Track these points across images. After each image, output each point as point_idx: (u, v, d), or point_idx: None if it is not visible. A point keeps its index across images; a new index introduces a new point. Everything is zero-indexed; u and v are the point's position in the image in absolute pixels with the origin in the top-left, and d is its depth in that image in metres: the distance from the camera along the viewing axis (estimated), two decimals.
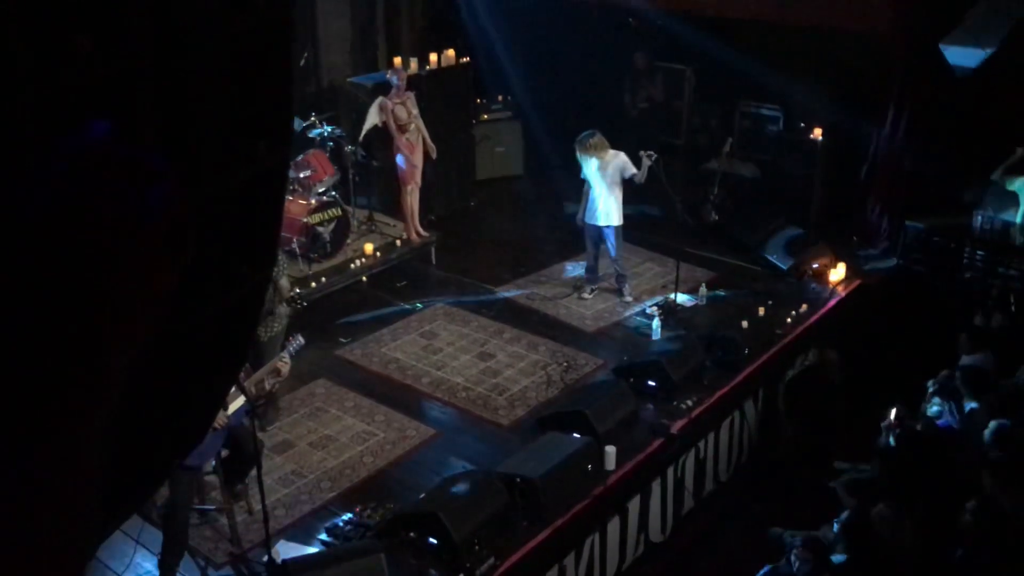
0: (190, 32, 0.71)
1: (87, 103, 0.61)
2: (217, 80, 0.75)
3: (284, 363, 5.90)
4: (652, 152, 8.58)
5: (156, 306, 0.57)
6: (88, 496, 0.55)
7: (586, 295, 9.25)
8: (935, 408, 6.87)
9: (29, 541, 0.51)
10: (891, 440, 6.82)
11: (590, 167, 8.70)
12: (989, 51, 8.52)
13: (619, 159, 8.67)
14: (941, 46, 8.83)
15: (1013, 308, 8.67)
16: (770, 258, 9.73)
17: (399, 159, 9.42)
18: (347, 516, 6.15)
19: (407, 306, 9.11)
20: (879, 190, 10.04)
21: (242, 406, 5.47)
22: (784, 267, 9.57)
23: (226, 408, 5.33)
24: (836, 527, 5.77)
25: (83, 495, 0.55)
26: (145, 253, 0.55)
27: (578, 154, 8.72)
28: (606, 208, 8.74)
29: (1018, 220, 8.85)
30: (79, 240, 0.53)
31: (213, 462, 5.87)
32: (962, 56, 8.71)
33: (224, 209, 0.80)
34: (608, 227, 8.82)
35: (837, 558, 5.69)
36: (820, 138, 10.47)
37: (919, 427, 6.53)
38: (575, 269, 9.79)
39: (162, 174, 0.57)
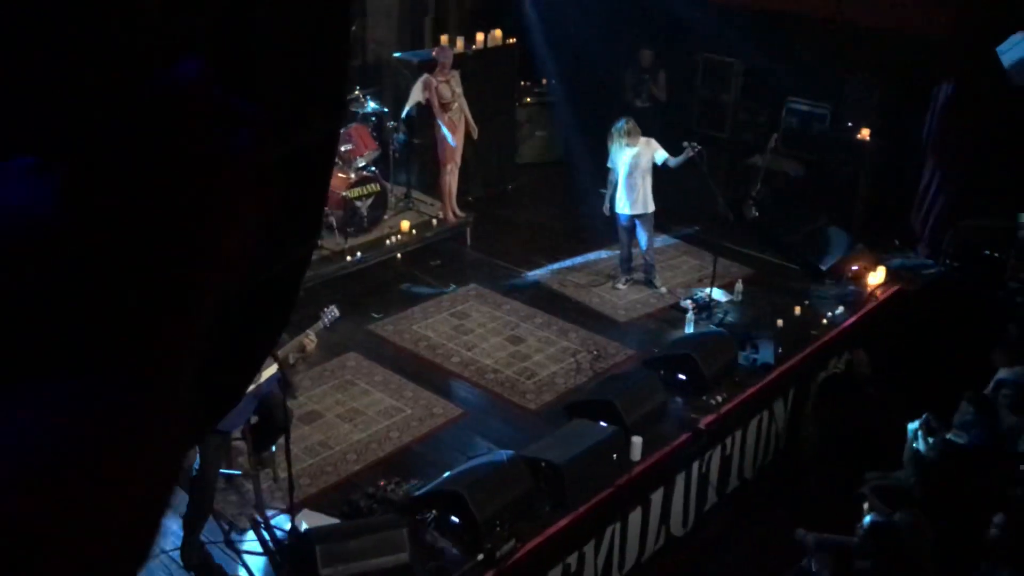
0: None
1: (147, 62, 0.61)
2: (275, 45, 0.75)
3: (310, 340, 5.94)
4: (696, 144, 8.52)
5: (244, 249, 0.57)
6: (180, 424, 0.56)
7: (620, 285, 9.21)
8: (968, 420, 6.78)
9: (132, 459, 0.52)
10: (921, 447, 6.74)
11: (623, 155, 8.65)
12: None
13: (651, 145, 8.68)
14: (998, 51, 8.65)
15: None
16: (809, 258, 9.62)
17: (440, 137, 9.42)
18: (371, 489, 6.19)
19: (441, 287, 9.13)
20: (925, 194, 9.89)
21: (274, 374, 5.52)
22: (823, 268, 9.47)
23: (259, 375, 5.38)
24: (861, 532, 5.72)
25: (176, 426, 0.56)
26: (235, 195, 0.55)
27: (612, 141, 8.67)
28: (640, 197, 8.70)
29: None
30: (170, 178, 0.53)
31: (242, 428, 5.93)
32: (1017, 62, 8.52)
33: (275, 178, 0.79)
34: (643, 215, 8.79)
35: (860, 564, 5.65)
36: (867, 139, 10.31)
37: (952, 438, 6.44)
38: (610, 257, 9.75)
39: (251, 117, 0.56)
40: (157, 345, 0.53)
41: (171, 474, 0.57)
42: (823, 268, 9.44)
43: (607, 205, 8.97)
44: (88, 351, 0.51)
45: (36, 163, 0.53)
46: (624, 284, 9.22)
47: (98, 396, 0.51)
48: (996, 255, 9.16)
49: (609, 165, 8.87)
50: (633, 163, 8.62)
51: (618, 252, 9.38)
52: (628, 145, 8.60)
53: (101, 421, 0.51)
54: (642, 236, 8.94)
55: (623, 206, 8.80)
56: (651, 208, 8.80)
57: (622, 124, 8.62)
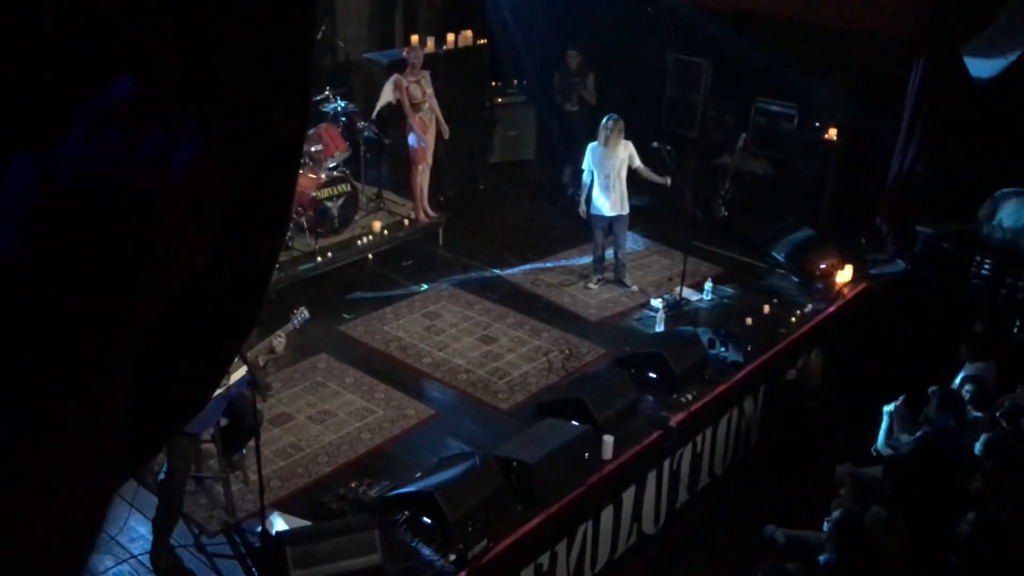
0: None
1: (109, 64, 0.60)
2: (238, 44, 0.74)
3: (279, 340, 5.90)
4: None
5: (182, 271, 0.56)
6: (112, 446, 0.55)
7: (592, 285, 9.23)
8: (934, 416, 6.86)
9: (58, 489, 0.52)
10: (895, 430, 6.82)
11: (601, 155, 8.66)
12: (1010, 59, 8.47)
13: (628, 148, 8.71)
14: (962, 53, 8.77)
15: (1020, 319, 8.65)
16: (777, 256, 9.71)
17: (411, 138, 9.40)
18: (342, 491, 6.16)
19: (412, 286, 9.11)
20: (891, 194, 10.01)
21: (243, 376, 5.48)
22: (791, 266, 9.56)
23: (227, 378, 5.34)
24: (827, 526, 5.77)
25: (108, 447, 0.55)
26: (172, 217, 0.55)
27: (600, 140, 8.63)
28: (617, 198, 8.73)
29: None
30: (104, 204, 0.53)
31: (212, 430, 5.89)
32: (982, 66, 8.66)
33: (240, 175, 0.79)
34: (620, 216, 8.82)
35: (824, 558, 5.70)
36: (835, 138, 10.42)
37: (920, 433, 6.52)
38: (582, 257, 9.78)
39: (189, 135, 0.56)
40: (85, 381, 0.53)
41: (101, 490, 0.57)
42: (791, 267, 9.54)
43: (583, 207, 8.95)
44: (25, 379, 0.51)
45: None
46: (596, 283, 9.25)
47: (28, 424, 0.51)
48: (961, 253, 9.29)
49: (583, 167, 8.86)
50: (611, 164, 8.64)
51: (590, 251, 9.40)
52: (607, 145, 8.60)
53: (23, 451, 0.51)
54: (617, 236, 8.97)
55: (600, 206, 8.82)
56: (627, 209, 8.84)
57: (611, 123, 8.58)
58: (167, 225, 0.55)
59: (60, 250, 0.52)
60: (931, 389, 6.89)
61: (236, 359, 5.23)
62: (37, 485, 0.51)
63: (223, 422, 5.91)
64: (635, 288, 9.16)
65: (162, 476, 5.48)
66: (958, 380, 7.37)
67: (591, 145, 8.78)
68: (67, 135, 0.55)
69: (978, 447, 6.10)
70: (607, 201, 8.76)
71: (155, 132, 0.55)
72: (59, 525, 0.52)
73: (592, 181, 8.79)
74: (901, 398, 6.93)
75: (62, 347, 0.52)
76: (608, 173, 8.67)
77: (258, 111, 0.83)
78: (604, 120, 8.64)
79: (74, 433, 0.53)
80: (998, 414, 6.63)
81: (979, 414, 6.74)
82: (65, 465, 0.52)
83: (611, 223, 8.88)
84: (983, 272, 9.13)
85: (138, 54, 0.62)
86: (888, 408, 6.93)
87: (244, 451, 6.14)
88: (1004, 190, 9.06)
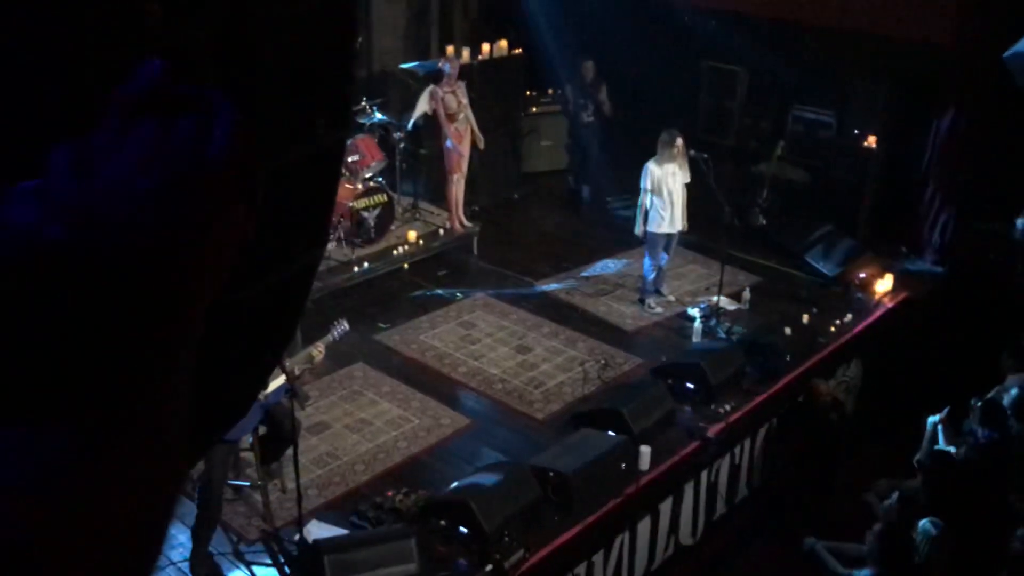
0: (259, 6, 0.71)
1: (145, 56, 0.61)
2: (281, 56, 0.75)
3: (319, 351, 5.95)
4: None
5: (233, 248, 0.56)
6: (178, 447, 0.56)
7: (654, 305, 8.94)
8: (978, 428, 6.74)
9: (127, 494, 0.52)
10: (941, 443, 6.70)
11: (663, 171, 8.41)
12: None
13: (686, 163, 8.51)
14: (1004, 58, 8.64)
15: None
16: (816, 265, 9.60)
17: (447, 148, 9.44)
18: (379, 500, 6.18)
19: (445, 293, 9.13)
20: (932, 201, 9.87)
21: (282, 385, 5.52)
22: (830, 275, 9.45)
23: (266, 386, 5.38)
24: (869, 539, 5.69)
25: (174, 446, 0.55)
26: (215, 198, 0.55)
27: (663, 157, 8.38)
28: (676, 214, 8.54)
29: None
30: (145, 190, 0.53)
31: (250, 439, 5.94)
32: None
33: (281, 185, 0.80)
34: (675, 234, 8.70)
35: (863, 573, 5.62)
36: (874, 146, 10.30)
37: (963, 446, 6.41)
38: (617, 266, 9.74)
39: (224, 112, 0.56)
40: (142, 374, 0.53)
41: (167, 495, 0.57)
42: (830, 276, 9.43)
43: (641, 228, 8.65)
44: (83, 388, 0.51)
45: (38, 186, 0.53)
46: (656, 304, 8.97)
47: (86, 438, 0.51)
48: (1003, 260, 9.13)
49: (643, 185, 8.51)
50: (673, 180, 8.44)
51: (625, 260, 9.31)
52: (671, 161, 8.39)
53: (86, 462, 0.51)
54: (667, 249, 8.82)
55: (661, 224, 8.58)
56: (685, 225, 8.69)
57: (677, 140, 8.36)
58: (211, 206, 0.54)
59: (107, 238, 0.52)
60: (973, 401, 6.78)
61: (275, 367, 5.27)
62: (105, 491, 0.51)
63: (262, 430, 5.96)
64: (672, 298, 9.09)
65: (201, 484, 5.53)
66: (1004, 391, 7.23)
67: (649, 165, 8.47)
68: (101, 123, 0.55)
69: None
70: (667, 218, 8.53)
71: (189, 115, 0.55)
72: (129, 531, 0.53)
73: (652, 199, 8.49)
74: (946, 409, 6.81)
75: (122, 339, 0.52)
76: (671, 190, 8.45)
77: (300, 122, 0.83)
78: (667, 136, 8.39)
79: (141, 433, 0.53)
80: None
81: (1021, 426, 6.61)
82: (134, 467, 0.52)
83: (670, 239, 8.75)
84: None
85: (182, 59, 0.62)
86: (933, 419, 6.82)
87: (281, 460, 6.19)
88: None
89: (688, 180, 8.60)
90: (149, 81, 0.55)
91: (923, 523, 5.61)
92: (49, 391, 0.51)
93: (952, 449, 6.55)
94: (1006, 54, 8.57)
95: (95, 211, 0.51)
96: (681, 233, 8.82)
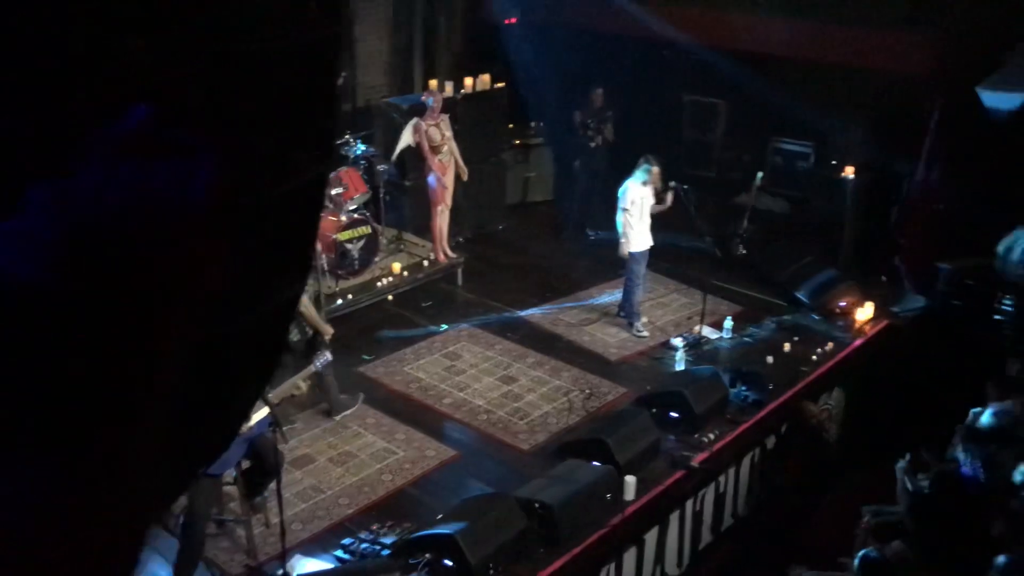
0: (242, 43, 0.72)
1: (129, 95, 0.62)
2: (265, 92, 0.77)
3: (299, 389, 5.94)
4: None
5: (208, 293, 0.56)
6: (149, 487, 0.56)
7: (642, 328, 9.07)
8: (960, 456, 6.77)
9: (88, 536, 0.52)
10: (908, 484, 6.72)
11: (642, 193, 8.66)
12: None
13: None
14: (978, 89, 8.78)
15: None
16: (797, 295, 9.67)
17: (431, 180, 9.48)
18: (364, 534, 6.14)
19: (432, 327, 9.13)
20: (910, 231, 9.97)
21: (265, 417, 5.50)
22: (811, 304, 9.52)
23: (249, 419, 5.36)
24: (853, 568, 5.68)
25: (145, 486, 0.56)
26: (195, 241, 0.55)
27: (642, 180, 8.64)
28: (647, 230, 8.77)
29: None
30: (124, 232, 0.53)
31: (233, 473, 5.89)
32: (999, 100, 8.66)
33: (264, 219, 0.81)
34: (648, 249, 8.86)
35: None
36: (852, 176, 10.42)
37: (946, 472, 6.43)
38: (601, 296, 9.78)
39: (208, 153, 0.56)
40: (114, 418, 0.53)
41: (138, 530, 0.57)
42: (811, 305, 9.50)
43: (626, 249, 8.76)
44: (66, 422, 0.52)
45: (12, 225, 0.53)
46: (643, 327, 9.09)
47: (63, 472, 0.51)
48: (983, 290, 9.21)
49: (624, 206, 8.69)
50: (648, 202, 8.69)
51: (609, 290, 9.36)
52: (648, 185, 8.65)
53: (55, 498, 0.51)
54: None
55: (641, 242, 8.77)
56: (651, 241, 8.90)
57: (654, 167, 8.62)
58: (192, 248, 0.55)
59: (84, 278, 0.52)
60: (957, 428, 6.80)
61: (258, 401, 5.25)
62: (71, 528, 0.51)
63: (245, 464, 5.92)
64: (645, 332, 9.10)
65: (184, 519, 5.48)
66: (982, 416, 7.27)
67: (629, 185, 8.68)
68: (84, 163, 0.55)
69: (1017, 476, 6.01)
70: (644, 236, 8.76)
71: (172, 159, 0.56)
72: (97, 566, 0.53)
73: (630, 220, 8.67)
74: (907, 456, 6.84)
75: (98, 376, 0.52)
76: (645, 209, 8.69)
77: (283, 157, 0.85)
78: (650, 166, 8.62)
79: (114, 468, 0.53)
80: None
81: (1005, 451, 6.63)
82: (105, 501, 0.53)
83: (646, 256, 8.89)
84: (1004, 308, 9.04)
85: (166, 93, 0.63)
86: (900, 464, 6.86)
87: (265, 494, 6.14)
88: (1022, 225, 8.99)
89: (652, 203, 8.74)
90: (136, 124, 0.56)
91: (893, 544, 5.62)
92: (21, 426, 0.51)
93: (910, 487, 6.58)
94: (980, 87, 8.73)
95: (74, 252, 0.51)
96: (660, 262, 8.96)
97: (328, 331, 7.18)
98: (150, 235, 0.53)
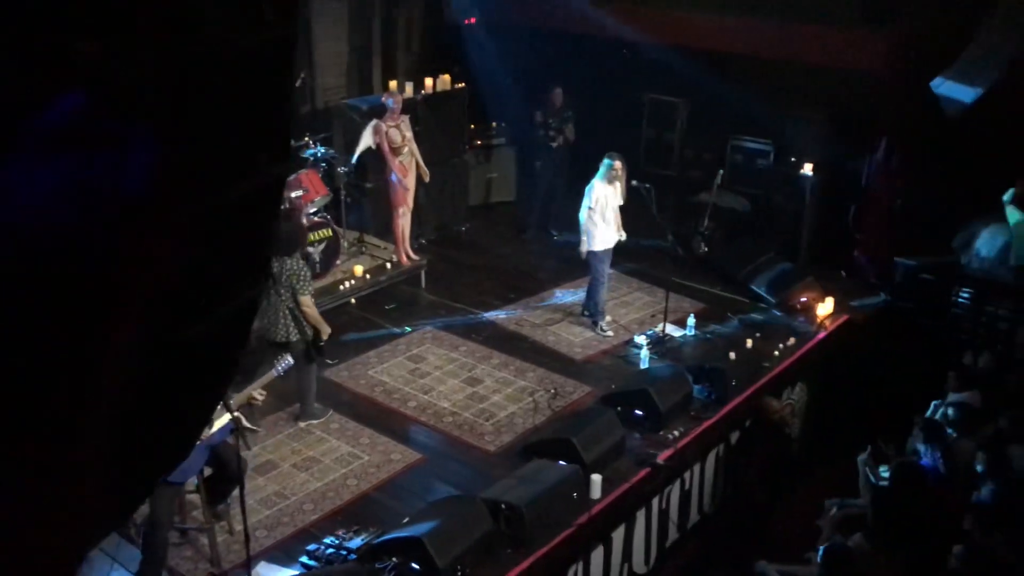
0: (199, 46, 0.71)
1: (62, 84, 0.59)
2: (221, 94, 0.75)
3: (257, 399, 5.88)
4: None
5: (158, 294, 0.54)
6: (83, 501, 0.54)
7: (606, 327, 9.10)
8: (920, 447, 6.87)
9: (25, 542, 0.50)
10: (871, 477, 6.82)
11: (606, 191, 8.67)
12: (981, 90, 8.62)
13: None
14: (932, 85, 8.93)
15: (1000, 348, 8.71)
16: (758, 291, 9.76)
17: (392, 181, 9.43)
18: (329, 539, 6.08)
19: (396, 330, 9.08)
20: (868, 226, 10.11)
21: (226, 424, 5.43)
22: (772, 300, 9.61)
23: (210, 426, 5.29)
24: (817, 559, 5.75)
25: (78, 501, 0.53)
26: (134, 231, 0.53)
27: (607, 179, 8.64)
28: (615, 229, 8.78)
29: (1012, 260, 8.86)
30: (59, 226, 0.51)
31: (195, 480, 5.81)
32: (954, 90, 8.80)
33: (220, 222, 0.79)
34: (612, 247, 8.89)
35: None
36: (811, 173, 10.54)
37: (907, 464, 6.52)
38: (565, 296, 9.79)
39: (143, 147, 0.54)
40: (57, 411, 0.51)
41: (82, 537, 0.55)
42: (772, 301, 9.59)
43: (586, 248, 8.79)
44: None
45: None
46: (607, 327, 9.12)
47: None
48: (941, 284, 9.36)
49: (589, 204, 8.70)
50: (614, 201, 8.71)
51: (573, 290, 9.38)
52: (612, 182, 8.66)
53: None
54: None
55: (605, 241, 8.78)
56: (622, 235, 8.88)
57: (619, 163, 8.63)
58: (129, 241, 0.53)
59: (17, 269, 0.49)
60: (916, 420, 6.92)
61: (219, 407, 5.19)
62: (12, 533, 0.49)
63: (207, 472, 5.85)
64: (609, 331, 9.13)
65: (145, 528, 5.39)
66: (941, 407, 7.39)
67: (595, 184, 8.69)
68: (14, 154, 0.53)
69: (979, 466, 6.12)
70: (608, 234, 8.76)
71: (109, 149, 0.53)
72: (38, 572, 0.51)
73: (595, 218, 8.69)
74: (869, 447, 6.96)
75: (33, 373, 0.49)
76: (613, 208, 8.71)
77: (241, 158, 0.83)
78: (611, 161, 8.64)
79: (45, 484, 0.51)
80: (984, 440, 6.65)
81: (965, 441, 6.75)
82: (46, 506, 0.51)
83: (609, 254, 8.91)
84: (962, 301, 9.20)
85: (121, 96, 0.60)
86: (861, 458, 6.97)
87: (229, 501, 6.06)
88: (978, 220, 9.17)
89: (622, 203, 8.77)
90: (69, 112, 0.54)
91: (854, 537, 5.70)
92: None
93: (872, 479, 6.68)
94: (934, 82, 8.86)
95: (5, 241, 0.49)
96: (626, 261, 8.97)
97: (328, 331, 7.21)
98: (84, 226, 0.51)
